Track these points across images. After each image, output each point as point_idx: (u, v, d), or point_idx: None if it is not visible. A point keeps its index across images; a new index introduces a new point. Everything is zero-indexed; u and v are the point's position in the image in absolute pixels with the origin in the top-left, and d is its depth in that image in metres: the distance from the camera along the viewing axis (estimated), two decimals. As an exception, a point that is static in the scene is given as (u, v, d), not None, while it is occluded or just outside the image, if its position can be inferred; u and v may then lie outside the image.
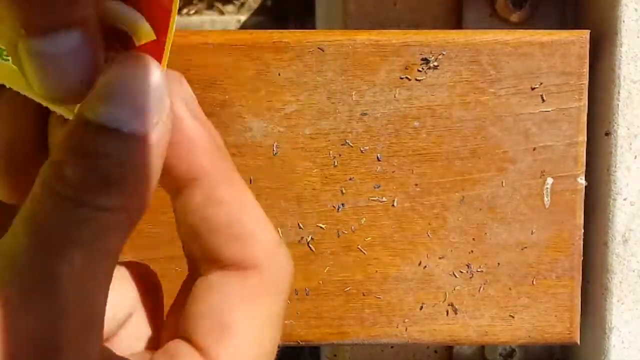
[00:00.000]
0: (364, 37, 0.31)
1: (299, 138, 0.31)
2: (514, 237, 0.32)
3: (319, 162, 0.31)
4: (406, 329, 0.32)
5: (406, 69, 0.31)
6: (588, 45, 0.31)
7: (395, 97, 0.31)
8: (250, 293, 0.19)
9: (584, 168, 0.31)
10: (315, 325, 0.32)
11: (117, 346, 0.21)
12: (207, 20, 0.70)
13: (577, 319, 0.32)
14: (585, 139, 0.31)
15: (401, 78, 0.31)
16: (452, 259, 0.32)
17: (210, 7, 0.70)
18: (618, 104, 0.32)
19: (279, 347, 0.20)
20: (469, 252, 0.32)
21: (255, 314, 0.19)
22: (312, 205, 0.31)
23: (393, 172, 0.31)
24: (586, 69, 0.31)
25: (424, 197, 0.31)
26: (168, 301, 0.22)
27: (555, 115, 0.31)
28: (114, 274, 0.18)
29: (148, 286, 0.22)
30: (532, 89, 0.31)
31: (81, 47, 0.18)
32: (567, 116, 0.31)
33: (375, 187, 0.31)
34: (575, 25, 0.36)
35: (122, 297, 0.21)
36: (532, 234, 0.32)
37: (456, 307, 0.32)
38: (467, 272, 0.32)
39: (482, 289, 0.32)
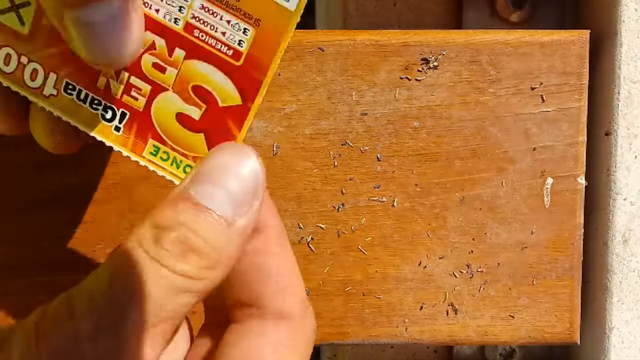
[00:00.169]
0: (364, 37, 0.31)
1: (298, 138, 0.31)
2: (514, 237, 0.32)
3: (319, 162, 0.31)
4: (406, 329, 0.32)
5: (406, 69, 0.31)
6: (588, 45, 0.31)
7: (395, 97, 0.31)
8: (285, 342, 0.21)
9: (584, 168, 0.31)
10: (315, 325, 0.32)
11: None
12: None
13: (577, 319, 0.32)
14: (585, 139, 0.31)
15: (401, 78, 0.31)
16: (452, 259, 0.32)
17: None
18: (618, 104, 0.32)
19: None
20: (469, 252, 0.32)
21: None
22: (312, 205, 0.31)
23: (393, 172, 0.31)
24: (586, 69, 0.31)
25: (424, 197, 0.31)
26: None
27: (555, 115, 0.31)
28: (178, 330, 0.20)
29: (191, 339, 0.24)
30: (532, 89, 0.31)
31: (121, 14, 0.19)
32: (567, 116, 0.31)
33: (375, 187, 0.31)
34: (575, 25, 0.36)
35: (175, 352, 0.23)
36: (532, 234, 0.32)
37: (456, 307, 0.32)
38: (467, 272, 0.32)
39: (482, 289, 0.32)
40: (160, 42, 0.22)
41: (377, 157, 0.31)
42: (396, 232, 0.31)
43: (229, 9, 0.22)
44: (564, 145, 0.31)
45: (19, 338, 0.19)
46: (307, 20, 0.42)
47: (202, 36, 0.22)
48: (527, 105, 0.31)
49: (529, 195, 0.31)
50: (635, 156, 0.32)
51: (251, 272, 0.22)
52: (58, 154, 0.24)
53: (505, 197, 0.31)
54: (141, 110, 0.23)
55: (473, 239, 0.32)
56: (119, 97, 0.23)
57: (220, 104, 0.22)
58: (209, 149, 0.23)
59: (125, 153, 0.23)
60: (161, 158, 0.23)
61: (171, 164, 0.23)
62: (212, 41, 0.22)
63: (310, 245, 0.32)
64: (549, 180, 0.31)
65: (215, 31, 0.22)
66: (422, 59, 0.31)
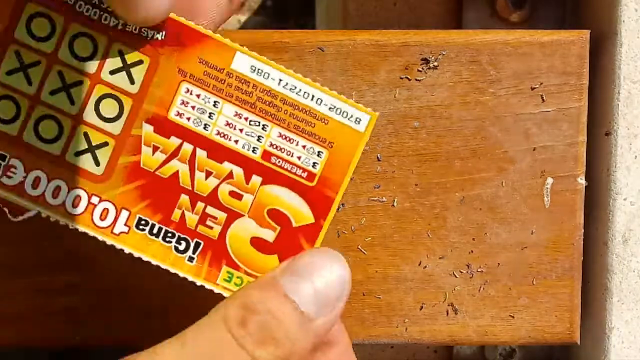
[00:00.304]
0: (364, 37, 0.31)
1: (299, 138, 0.31)
2: (514, 237, 0.32)
3: (319, 162, 0.31)
4: (406, 329, 0.32)
5: (406, 69, 0.31)
6: (588, 45, 0.31)
7: (395, 97, 0.31)
8: None
9: (584, 168, 0.31)
10: (315, 325, 0.32)
11: None
12: (207, 20, 0.70)
13: (577, 319, 0.32)
14: (585, 139, 0.31)
15: (401, 78, 0.31)
16: (452, 259, 0.32)
17: (210, 7, 0.69)
18: (618, 104, 0.32)
19: None
20: (469, 252, 0.32)
21: None
22: (312, 205, 0.31)
23: (393, 172, 0.31)
24: (586, 69, 0.31)
25: (424, 197, 0.31)
26: None
27: (555, 115, 0.31)
28: None
29: None
30: (532, 89, 0.31)
31: None
32: (567, 116, 0.31)
33: (375, 187, 0.31)
34: (575, 25, 0.36)
35: None
36: (532, 234, 0.32)
37: (456, 307, 0.32)
38: (467, 272, 0.32)
39: (482, 289, 0.32)
40: (238, 171, 0.23)
41: (377, 157, 0.31)
42: (396, 232, 0.31)
43: (305, 134, 0.23)
44: (564, 145, 0.31)
45: None
46: (307, 20, 0.42)
47: (279, 162, 0.23)
48: (527, 105, 0.31)
49: (529, 195, 0.31)
50: (635, 156, 0.32)
51: None
52: None
53: (505, 197, 0.31)
54: (216, 238, 0.23)
55: (473, 239, 0.32)
56: (193, 228, 0.23)
57: (294, 225, 0.23)
58: None
59: (198, 282, 0.23)
60: (235, 283, 0.23)
61: None
62: (288, 166, 0.23)
63: (310, 245, 0.32)
64: (549, 180, 0.31)
65: (292, 156, 0.23)
66: (422, 59, 0.31)
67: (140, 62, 0.23)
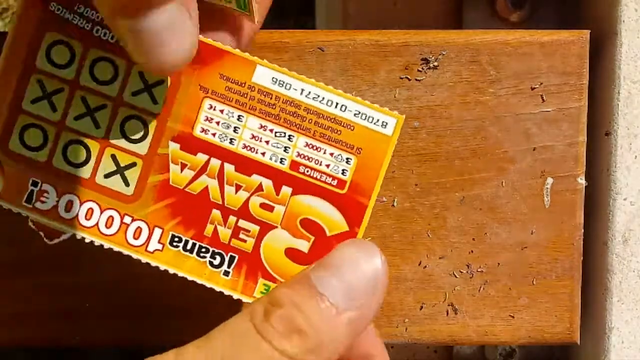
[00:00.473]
0: (364, 37, 0.31)
1: (299, 138, 0.31)
2: (514, 237, 0.32)
3: (319, 162, 0.31)
4: (406, 329, 0.32)
5: (406, 69, 0.31)
6: (588, 45, 0.31)
7: (395, 97, 0.31)
8: None
9: (584, 168, 0.31)
10: (315, 325, 0.32)
11: None
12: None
13: (577, 319, 0.32)
14: (585, 139, 0.31)
15: (401, 78, 0.31)
16: (452, 259, 0.32)
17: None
18: (618, 104, 0.32)
19: None
20: (469, 252, 0.32)
21: None
22: (312, 205, 0.31)
23: (393, 172, 0.31)
24: (586, 69, 0.31)
25: (424, 197, 0.31)
26: None
27: (555, 115, 0.31)
28: None
29: None
30: (532, 89, 0.31)
31: (173, 24, 0.19)
32: (567, 116, 0.31)
33: (375, 187, 0.31)
34: (575, 25, 0.36)
35: None
36: (532, 234, 0.32)
37: (456, 307, 0.32)
38: (467, 272, 0.32)
39: (482, 289, 0.32)
40: (267, 183, 0.23)
41: (377, 157, 0.31)
42: (396, 232, 0.31)
43: (332, 142, 0.23)
44: (564, 145, 0.31)
45: None
46: (307, 20, 0.42)
47: (308, 171, 0.23)
48: (527, 105, 0.31)
49: (529, 195, 0.31)
50: (635, 156, 0.32)
51: None
52: None
53: (505, 197, 0.31)
54: (250, 251, 0.23)
55: (473, 239, 0.32)
56: (227, 242, 0.23)
57: (328, 234, 0.23)
58: None
59: (235, 296, 0.23)
60: None
61: None
62: (317, 174, 0.23)
63: (310, 245, 0.32)
64: (549, 180, 0.31)
65: (320, 165, 0.23)
66: (422, 59, 0.31)
67: (161, 82, 0.23)
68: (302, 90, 0.23)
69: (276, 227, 0.23)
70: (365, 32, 0.31)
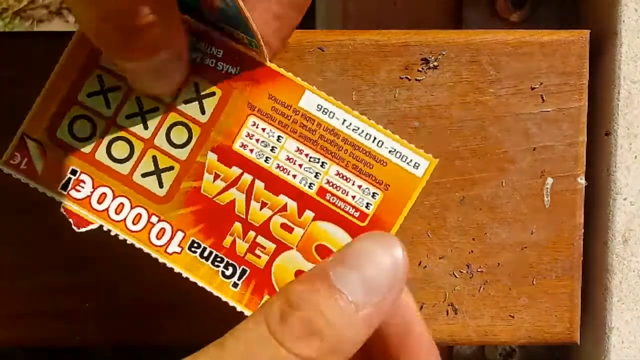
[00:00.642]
0: (364, 37, 0.31)
1: (299, 138, 0.31)
2: (514, 237, 0.32)
3: (319, 162, 0.31)
4: (406, 329, 0.32)
5: (406, 69, 0.31)
6: (588, 45, 0.31)
7: (395, 97, 0.31)
8: None
9: (584, 168, 0.31)
10: (315, 325, 0.32)
11: None
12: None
13: (577, 319, 0.32)
14: (585, 139, 0.31)
15: (401, 78, 0.31)
16: (452, 259, 0.32)
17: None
18: (618, 104, 0.32)
19: None
20: (469, 252, 0.32)
21: None
22: (312, 205, 0.31)
23: (393, 172, 0.31)
24: (586, 69, 0.31)
25: (424, 197, 0.31)
26: None
27: (555, 115, 0.31)
28: None
29: None
30: (532, 89, 0.31)
31: (165, 66, 0.22)
32: (567, 116, 0.31)
33: (375, 187, 0.31)
34: (575, 25, 0.36)
35: None
36: (532, 234, 0.32)
37: (456, 307, 0.32)
38: (467, 272, 0.32)
39: (482, 289, 0.32)
40: (292, 204, 0.24)
41: (377, 157, 0.31)
42: (396, 232, 0.31)
43: (362, 174, 0.24)
44: (564, 145, 0.31)
45: None
46: (307, 20, 0.42)
47: (333, 199, 0.24)
48: (527, 105, 0.31)
49: (529, 195, 0.31)
50: (635, 156, 0.32)
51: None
52: None
53: (505, 197, 0.31)
54: (262, 267, 0.24)
55: (473, 239, 0.32)
56: (242, 255, 0.24)
57: None
58: None
59: (239, 308, 0.24)
60: None
61: None
62: (341, 204, 0.24)
63: (310, 245, 0.31)
64: (549, 180, 0.31)
65: (347, 195, 0.24)
66: (422, 59, 0.31)
67: (213, 93, 0.24)
68: (344, 120, 0.24)
69: (292, 248, 0.24)
70: (365, 32, 0.31)
